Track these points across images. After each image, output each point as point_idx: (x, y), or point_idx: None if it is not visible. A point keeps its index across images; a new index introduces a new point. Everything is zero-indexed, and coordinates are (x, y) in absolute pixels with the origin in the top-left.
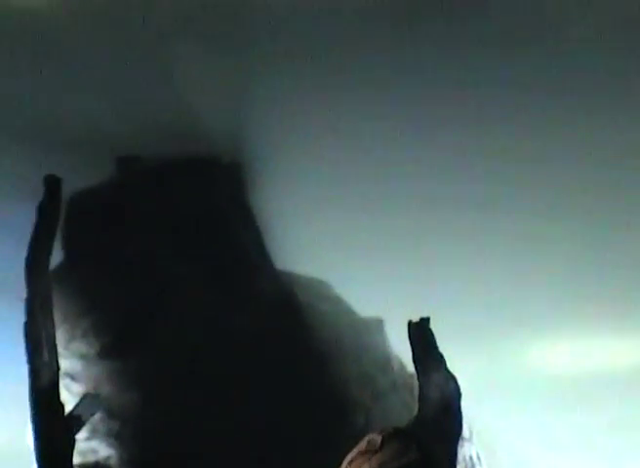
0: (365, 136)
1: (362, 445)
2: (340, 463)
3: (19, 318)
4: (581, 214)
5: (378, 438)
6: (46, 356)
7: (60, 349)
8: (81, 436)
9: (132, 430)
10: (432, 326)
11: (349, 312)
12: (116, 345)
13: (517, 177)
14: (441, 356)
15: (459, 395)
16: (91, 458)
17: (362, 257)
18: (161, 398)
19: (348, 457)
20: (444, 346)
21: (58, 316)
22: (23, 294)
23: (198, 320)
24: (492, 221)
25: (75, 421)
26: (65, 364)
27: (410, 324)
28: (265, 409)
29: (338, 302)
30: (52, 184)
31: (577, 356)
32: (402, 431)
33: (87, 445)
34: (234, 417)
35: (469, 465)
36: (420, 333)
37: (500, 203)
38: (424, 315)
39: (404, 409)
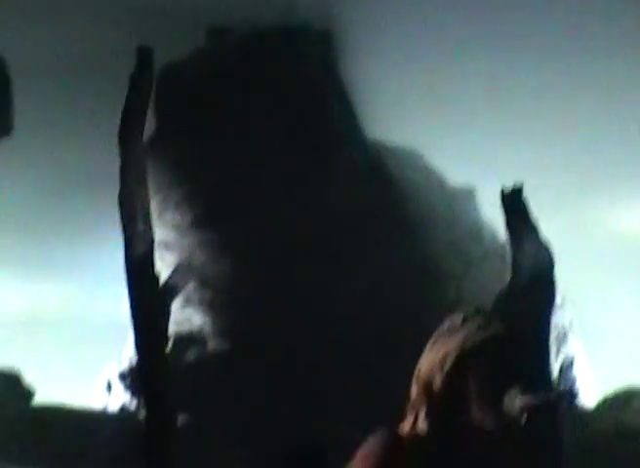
0: (447, 12)
1: (442, 327)
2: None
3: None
4: None
5: (459, 317)
6: (140, 225)
7: (153, 219)
8: (175, 305)
9: (225, 299)
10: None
11: (440, 181)
12: (209, 216)
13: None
14: (535, 224)
15: (552, 264)
16: (185, 327)
17: (452, 126)
18: (254, 267)
19: (432, 339)
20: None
21: (151, 186)
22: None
23: (291, 193)
24: (577, 84)
25: (169, 291)
26: (158, 234)
27: (503, 192)
28: (357, 281)
29: (429, 172)
30: (144, 55)
31: None
32: (483, 309)
33: (181, 314)
34: (327, 285)
35: (561, 332)
36: (514, 201)
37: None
38: (517, 183)
39: (496, 278)
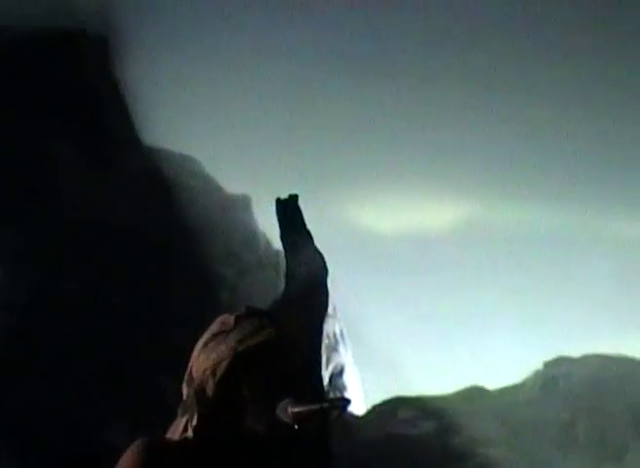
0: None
1: (214, 327)
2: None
3: None
4: None
5: (230, 318)
6: None
7: None
8: None
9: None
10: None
11: (217, 189)
12: None
13: None
14: (308, 233)
15: (325, 272)
16: None
17: (230, 134)
18: (26, 270)
19: (201, 341)
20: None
21: None
22: None
23: (65, 195)
24: None
25: None
26: None
27: (278, 200)
28: (129, 285)
29: (206, 179)
30: None
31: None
32: (255, 310)
33: None
34: (103, 292)
35: (333, 341)
36: (288, 210)
37: None
38: (292, 192)
39: (270, 287)
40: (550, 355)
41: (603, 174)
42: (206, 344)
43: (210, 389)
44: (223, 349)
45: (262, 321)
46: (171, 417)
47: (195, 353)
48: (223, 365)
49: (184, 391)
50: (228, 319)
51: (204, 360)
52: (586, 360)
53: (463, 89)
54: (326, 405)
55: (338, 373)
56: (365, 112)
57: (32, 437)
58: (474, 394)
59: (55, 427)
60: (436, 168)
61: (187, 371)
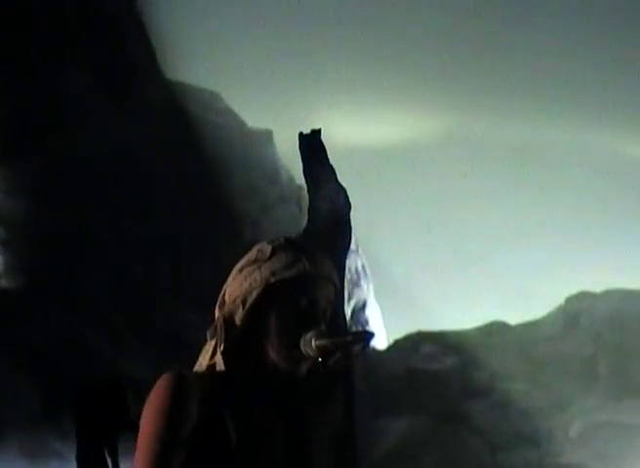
0: None
1: (252, 253)
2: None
3: None
4: None
5: (268, 247)
6: None
7: None
8: None
9: (20, 236)
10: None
11: (239, 123)
12: (4, 152)
13: None
14: (332, 168)
15: (348, 207)
16: None
17: (253, 69)
18: (52, 205)
19: (238, 265)
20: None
21: None
22: None
23: (89, 130)
24: None
25: None
26: None
27: (301, 135)
28: (149, 220)
29: (228, 114)
30: None
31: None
32: (293, 242)
33: None
34: (121, 226)
35: (355, 277)
36: (311, 145)
37: None
38: (315, 127)
39: (292, 222)
40: (573, 290)
41: (588, 88)
42: (241, 270)
43: (239, 317)
44: (257, 278)
45: (298, 254)
46: (192, 351)
47: (230, 277)
48: (254, 294)
49: (216, 313)
50: (266, 248)
51: (237, 286)
52: (609, 295)
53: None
54: (350, 338)
55: (360, 308)
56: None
57: (55, 369)
58: (496, 329)
59: (77, 359)
60: (421, 81)
61: (221, 294)
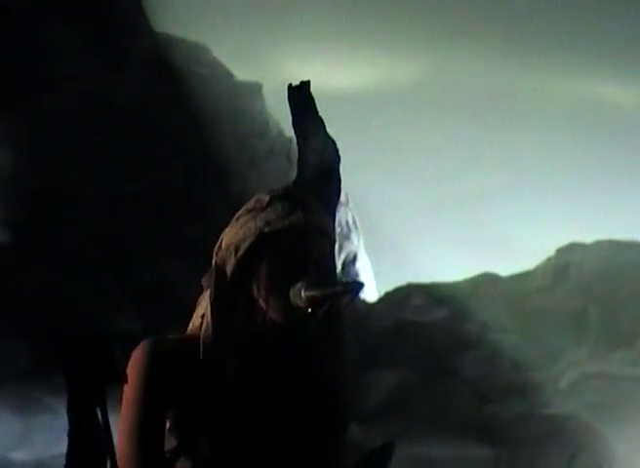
0: None
1: (250, 202)
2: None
3: None
4: None
5: (266, 197)
6: None
7: None
8: None
9: (5, 190)
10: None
11: (227, 75)
12: None
13: None
14: (321, 120)
15: (337, 160)
16: None
17: (241, 20)
18: (36, 159)
19: (238, 213)
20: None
21: None
22: None
23: (73, 83)
24: None
25: None
26: None
27: (289, 87)
28: (137, 174)
29: (216, 66)
30: None
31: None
32: (291, 193)
33: None
34: (107, 182)
35: (345, 230)
36: (300, 97)
37: None
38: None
39: (281, 175)
40: (563, 241)
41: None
42: (238, 219)
43: (230, 265)
44: (251, 227)
45: (295, 205)
46: (181, 306)
47: (229, 227)
48: (247, 243)
49: (213, 261)
50: (263, 198)
51: (232, 234)
52: (599, 246)
53: None
54: (339, 288)
55: (350, 261)
56: None
57: (42, 323)
58: (486, 281)
59: (65, 315)
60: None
61: (218, 242)
